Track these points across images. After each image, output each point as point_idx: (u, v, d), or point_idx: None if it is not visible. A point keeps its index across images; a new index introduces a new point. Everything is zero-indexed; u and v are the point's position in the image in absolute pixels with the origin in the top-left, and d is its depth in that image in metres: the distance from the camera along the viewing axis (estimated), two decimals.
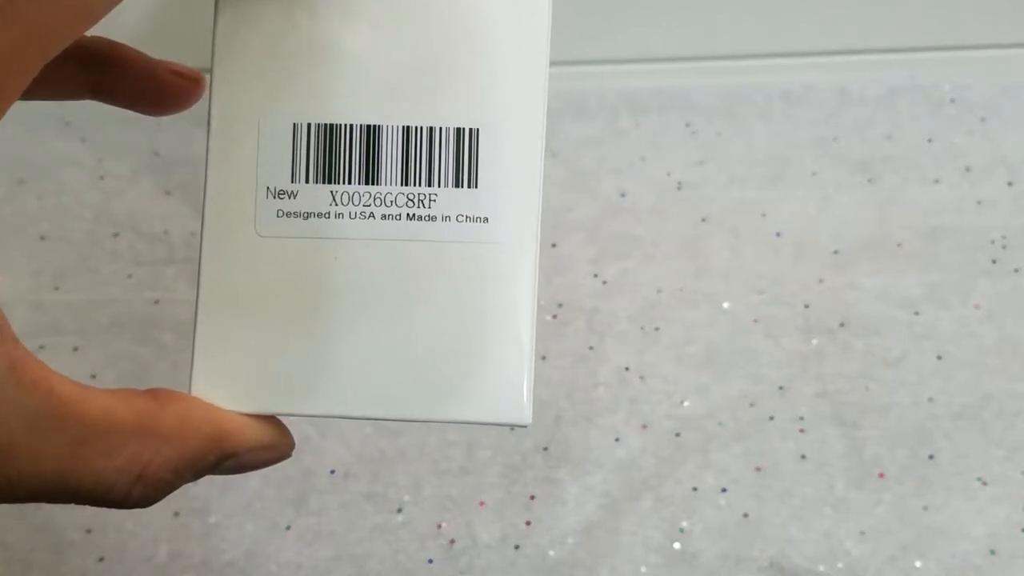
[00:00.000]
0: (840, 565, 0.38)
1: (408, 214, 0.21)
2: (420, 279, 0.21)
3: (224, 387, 0.21)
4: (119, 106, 0.24)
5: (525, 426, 0.22)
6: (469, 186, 0.22)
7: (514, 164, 0.22)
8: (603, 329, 0.43)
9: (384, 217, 0.21)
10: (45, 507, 0.39)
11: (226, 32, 0.21)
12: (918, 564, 0.38)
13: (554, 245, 0.44)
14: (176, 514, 0.40)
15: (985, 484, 0.39)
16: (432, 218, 0.21)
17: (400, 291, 0.21)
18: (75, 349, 0.42)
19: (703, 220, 0.45)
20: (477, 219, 0.22)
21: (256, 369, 0.21)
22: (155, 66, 0.24)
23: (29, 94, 0.17)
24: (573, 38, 0.47)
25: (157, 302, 0.44)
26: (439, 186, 0.21)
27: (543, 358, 0.42)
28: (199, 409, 0.20)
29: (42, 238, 0.46)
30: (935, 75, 0.47)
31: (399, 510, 0.40)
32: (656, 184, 0.46)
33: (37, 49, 0.16)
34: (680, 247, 0.44)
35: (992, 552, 0.38)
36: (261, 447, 0.21)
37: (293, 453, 0.22)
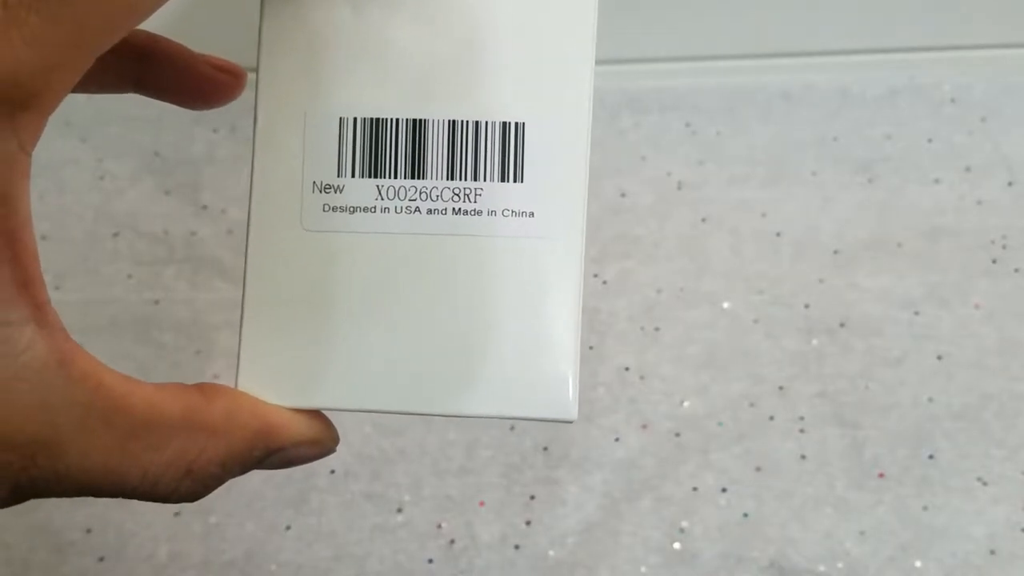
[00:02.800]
0: (840, 565, 0.38)
1: (454, 208, 0.21)
2: (467, 274, 0.21)
3: (270, 382, 0.21)
4: (160, 99, 0.24)
5: (571, 421, 0.21)
6: (515, 180, 0.21)
7: (560, 158, 0.22)
8: (603, 329, 0.43)
9: (430, 212, 0.21)
10: (45, 507, 0.39)
11: (272, 28, 0.22)
12: (918, 564, 0.38)
13: None
14: (176, 514, 0.40)
15: (985, 484, 0.39)
16: (478, 212, 0.21)
17: (446, 286, 0.21)
18: None
19: (703, 220, 0.45)
20: (523, 213, 0.22)
21: (302, 364, 0.21)
22: (197, 60, 0.24)
23: (76, 88, 0.17)
24: None
25: (157, 302, 0.44)
26: (485, 180, 0.21)
27: None
28: (246, 404, 0.20)
29: (42, 238, 0.45)
30: (935, 75, 0.47)
31: (399, 510, 0.40)
32: (656, 184, 0.46)
33: (87, 46, 0.16)
34: (680, 247, 0.44)
35: (992, 552, 0.38)
36: (306, 442, 0.21)
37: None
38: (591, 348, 0.42)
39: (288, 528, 0.39)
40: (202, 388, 0.20)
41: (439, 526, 0.39)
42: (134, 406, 0.18)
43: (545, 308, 0.21)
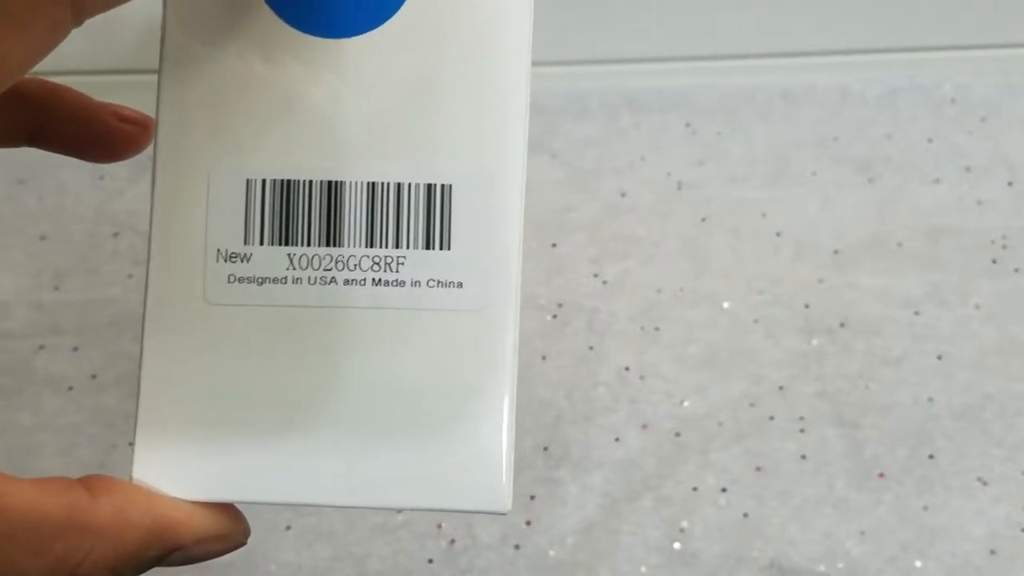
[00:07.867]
0: (840, 565, 0.38)
1: (373, 279, 0.20)
2: (389, 351, 0.20)
3: (169, 473, 0.19)
4: (60, 153, 0.22)
5: (504, 514, 0.20)
6: (441, 248, 0.20)
7: (491, 223, 0.20)
8: (603, 329, 0.43)
9: (347, 282, 0.20)
10: None
11: (173, 80, 0.20)
12: (918, 564, 0.38)
13: (554, 245, 0.44)
14: None
15: (985, 484, 0.39)
16: (400, 283, 0.20)
17: (364, 364, 0.20)
18: (75, 349, 0.42)
19: (703, 220, 0.45)
20: (450, 284, 0.20)
21: (205, 453, 0.19)
22: (98, 110, 0.22)
23: None
24: (573, 38, 0.47)
25: None
26: (408, 248, 0.20)
27: (543, 358, 0.42)
28: (139, 499, 0.18)
29: (42, 238, 0.46)
30: (935, 75, 0.47)
31: (399, 510, 0.40)
32: (656, 184, 0.46)
33: None
34: (680, 247, 0.44)
35: (992, 552, 0.38)
36: (210, 538, 0.19)
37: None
38: (591, 348, 0.42)
39: (288, 528, 0.39)
40: (89, 483, 0.18)
41: (439, 526, 0.39)
42: (11, 506, 0.16)
43: (476, 388, 0.19)
